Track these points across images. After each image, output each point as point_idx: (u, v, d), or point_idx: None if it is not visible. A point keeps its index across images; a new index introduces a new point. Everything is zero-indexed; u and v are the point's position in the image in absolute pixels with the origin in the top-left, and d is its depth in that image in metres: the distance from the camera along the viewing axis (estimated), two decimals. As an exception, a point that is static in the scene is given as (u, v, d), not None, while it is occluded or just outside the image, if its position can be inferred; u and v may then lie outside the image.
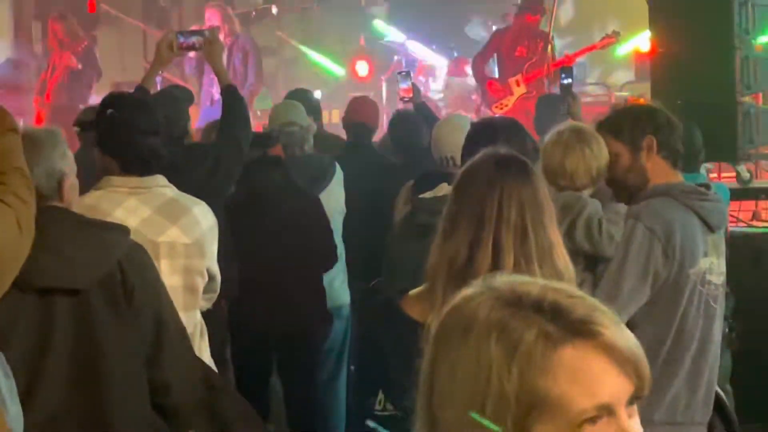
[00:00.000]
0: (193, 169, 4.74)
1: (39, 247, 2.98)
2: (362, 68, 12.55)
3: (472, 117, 8.50)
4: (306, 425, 5.58)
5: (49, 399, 3.12)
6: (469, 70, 10.99)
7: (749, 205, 7.13)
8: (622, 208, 3.91)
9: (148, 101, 4.48)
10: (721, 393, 4.23)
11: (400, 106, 7.29)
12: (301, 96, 6.68)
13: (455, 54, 12.04)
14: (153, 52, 5.39)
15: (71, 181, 3.35)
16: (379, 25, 13.15)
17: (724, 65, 6.30)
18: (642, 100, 6.51)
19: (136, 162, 3.98)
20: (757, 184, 7.47)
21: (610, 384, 1.39)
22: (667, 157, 3.81)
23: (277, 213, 5.37)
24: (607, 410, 1.38)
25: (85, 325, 3.16)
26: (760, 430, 5.63)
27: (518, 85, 9.91)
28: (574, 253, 3.63)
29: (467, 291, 1.47)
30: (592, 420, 1.38)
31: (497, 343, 1.40)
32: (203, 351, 4.01)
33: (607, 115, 3.97)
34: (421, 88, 8.85)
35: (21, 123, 7.82)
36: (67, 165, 3.35)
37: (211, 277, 4.10)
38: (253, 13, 12.61)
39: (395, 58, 12.36)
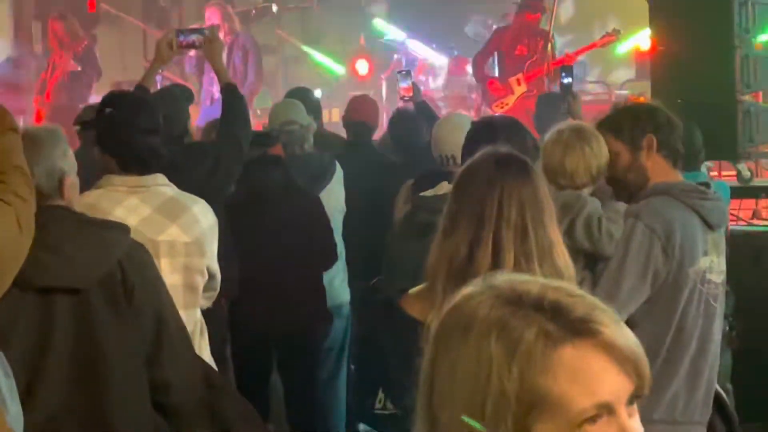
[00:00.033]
0: (193, 168, 4.73)
1: (39, 246, 2.98)
2: (362, 67, 12.54)
3: (473, 116, 8.51)
4: (306, 424, 5.57)
5: (49, 398, 3.12)
6: (469, 69, 10.99)
7: (749, 203, 7.13)
8: (622, 206, 3.91)
9: (148, 100, 4.47)
10: (722, 392, 4.23)
11: (400, 104, 7.27)
12: (301, 95, 6.67)
13: (455, 53, 12.03)
14: (153, 51, 5.38)
15: (72, 180, 3.35)
16: (380, 23, 13.15)
17: (724, 64, 6.29)
18: (642, 99, 6.51)
19: (136, 161, 3.98)
20: (757, 182, 7.48)
21: (610, 383, 1.39)
22: (667, 156, 3.81)
23: (277, 212, 5.37)
24: (607, 409, 1.38)
25: (85, 324, 3.16)
26: (760, 429, 5.62)
27: (519, 83, 9.90)
28: (574, 251, 3.62)
29: (467, 290, 1.47)
30: (593, 419, 1.38)
31: (497, 342, 1.40)
32: (203, 350, 4.01)
33: (608, 114, 3.97)
34: (421, 87, 8.84)
35: (21, 122, 7.84)
36: (68, 164, 3.35)
37: (211, 276, 4.10)
38: (253, 11, 12.59)
39: (395, 56, 12.34)
